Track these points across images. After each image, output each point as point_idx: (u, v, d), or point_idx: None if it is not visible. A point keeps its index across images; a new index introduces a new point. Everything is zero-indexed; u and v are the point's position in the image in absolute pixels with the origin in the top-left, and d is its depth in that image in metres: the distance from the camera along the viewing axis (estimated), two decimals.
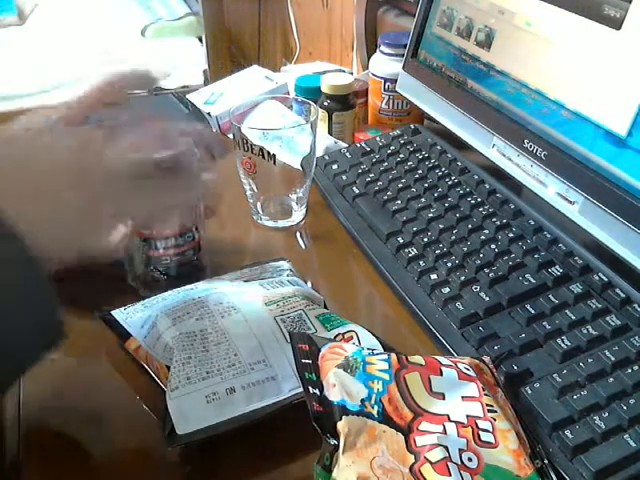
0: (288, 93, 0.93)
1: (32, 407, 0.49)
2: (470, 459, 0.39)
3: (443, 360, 0.44)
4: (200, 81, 1.75)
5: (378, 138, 0.77)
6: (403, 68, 0.80)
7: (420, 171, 0.70)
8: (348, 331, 0.50)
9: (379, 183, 0.70)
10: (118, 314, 0.52)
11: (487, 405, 0.42)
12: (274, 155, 0.64)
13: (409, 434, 0.39)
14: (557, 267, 0.55)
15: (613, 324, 0.49)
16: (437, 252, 0.59)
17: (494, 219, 0.61)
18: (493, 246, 0.58)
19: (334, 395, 0.40)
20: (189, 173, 0.46)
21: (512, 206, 0.62)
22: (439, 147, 0.73)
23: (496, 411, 0.42)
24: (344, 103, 0.83)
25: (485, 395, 0.42)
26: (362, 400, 0.40)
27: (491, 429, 0.40)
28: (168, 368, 0.46)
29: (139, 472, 0.44)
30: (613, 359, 0.47)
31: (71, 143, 0.42)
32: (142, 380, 0.49)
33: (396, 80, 0.81)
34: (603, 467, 0.41)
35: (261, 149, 0.64)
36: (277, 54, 2.17)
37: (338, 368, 0.42)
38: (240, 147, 0.65)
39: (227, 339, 0.48)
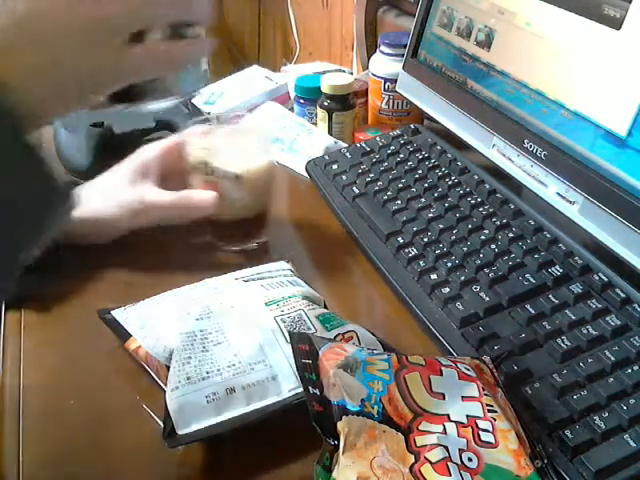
0: (288, 93, 0.93)
1: (32, 407, 0.49)
2: (470, 459, 0.39)
3: (443, 360, 0.44)
4: None
5: (378, 138, 0.77)
6: (403, 68, 0.80)
7: (420, 171, 0.70)
8: (348, 331, 0.50)
9: (379, 183, 0.70)
10: (118, 314, 0.52)
11: (487, 405, 0.42)
12: (238, 176, 0.59)
13: (409, 434, 0.39)
14: (557, 267, 0.55)
15: (613, 324, 0.49)
16: (437, 252, 0.59)
17: (494, 219, 0.61)
18: (493, 246, 0.58)
19: (334, 395, 0.40)
20: None
21: (512, 206, 0.62)
22: (439, 147, 0.73)
23: (496, 411, 0.42)
24: (344, 103, 0.83)
25: (485, 395, 0.42)
26: (362, 400, 0.40)
27: (491, 429, 0.40)
28: (168, 368, 0.46)
29: (139, 472, 0.44)
30: (613, 359, 0.47)
31: None
32: (142, 380, 0.49)
33: (396, 80, 0.81)
34: (603, 467, 0.41)
35: (225, 171, 0.58)
36: (277, 54, 2.17)
37: (338, 368, 0.42)
38: (200, 171, 0.60)
39: (227, 339, 0.48)
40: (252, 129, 0.63)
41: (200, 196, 0.62)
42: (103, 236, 0.64)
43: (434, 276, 0.57)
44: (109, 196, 0.64)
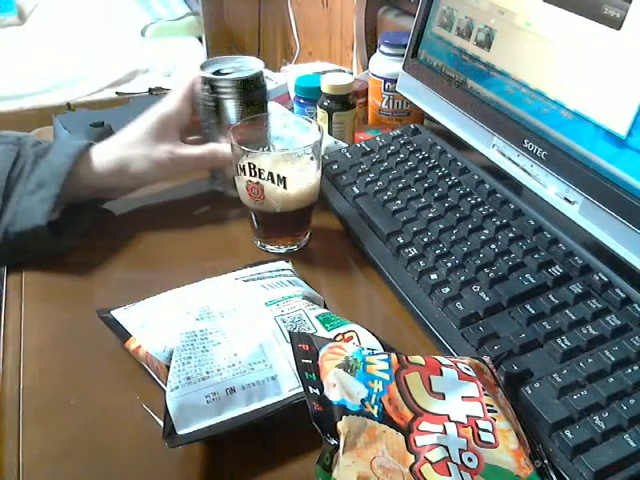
0: (288, 93, 0.93)
1: (32, 407, 0.49)
2: (470, 459, 0.39)
3: (443, 360, 0.44)
4: None
5: (378, 138, 0.77)
6: (403, 68, 0.80)
7: (420, 171, 0.70)
8: (348, 331, 0.50)
9: (379, 183, 0.70)
10: (118, 314, 0.52)
11: (487, 405, 0.42)
12: (284, 178, 0.60)
13: (409, 434, 0.39)
14: (557, 267, 0.55)
15: (613, 324, 0.49)
16: (437, 252, 0.59)
17: (494, 219, 0.61)
18: (493, 246, 0.58)
19: (334, 395, 0.40)
20: None
21: (512, 206, 0.62)
22: (439, 147, 0.73)
23: (496, 411, 0.42)
24: (344, 103, 0.83)
25: (485, 395, 0.42)
26: (362, 400, 0.40)
27: (491, 429, 0.40)
28: (168, 368, 0.46)
29: (139, 472, 0.45)
30: (613, 359, 0.47)
31: None
32: (142, 380, 0.50)
33: (396, 80, 0.81)
34: (603, 467, 0.41)
35: (270, 173, 0.60)
36: (277, 54, 2.17)
37: (338, 368, 0.42)
38: (246, 172, 0.61)
39: (227, 339, 0.48)
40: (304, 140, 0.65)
41: (225, 149, 0.67)
42: (126, 189, 0.70)
43: (434, 276, 0.57)
44: (135, 149, 0.67)
